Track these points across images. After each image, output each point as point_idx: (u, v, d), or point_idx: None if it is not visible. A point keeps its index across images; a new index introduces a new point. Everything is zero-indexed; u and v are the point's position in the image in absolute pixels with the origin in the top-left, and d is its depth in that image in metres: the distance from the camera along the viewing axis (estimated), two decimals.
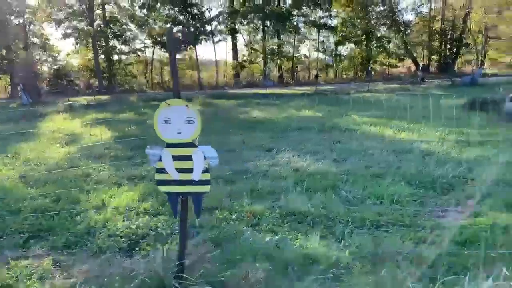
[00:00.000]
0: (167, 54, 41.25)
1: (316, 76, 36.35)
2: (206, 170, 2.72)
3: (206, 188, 2.78)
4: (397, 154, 7.38)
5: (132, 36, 41.18)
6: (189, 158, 2.68)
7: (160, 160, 2.72)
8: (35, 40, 39.94)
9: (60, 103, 20.46)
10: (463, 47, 39.87)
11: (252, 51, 38.44)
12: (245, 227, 4.14)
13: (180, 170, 2.71)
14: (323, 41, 39.56)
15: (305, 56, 40.20)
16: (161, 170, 2.75)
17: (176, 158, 2.70)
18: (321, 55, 40.56)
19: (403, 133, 9.66)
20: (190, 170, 2.70)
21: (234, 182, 5.70)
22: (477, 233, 3.83)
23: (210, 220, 4.35)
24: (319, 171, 6.18)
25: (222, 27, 36.94)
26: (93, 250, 3.82)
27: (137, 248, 3.79)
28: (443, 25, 39.84)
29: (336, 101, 18.76)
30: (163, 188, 2.80)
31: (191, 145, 2.68)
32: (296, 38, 38.84)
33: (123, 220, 4.43)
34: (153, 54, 41.74)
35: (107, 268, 3.38)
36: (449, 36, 39.85)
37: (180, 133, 2.63)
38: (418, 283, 2.79)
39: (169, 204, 2.95)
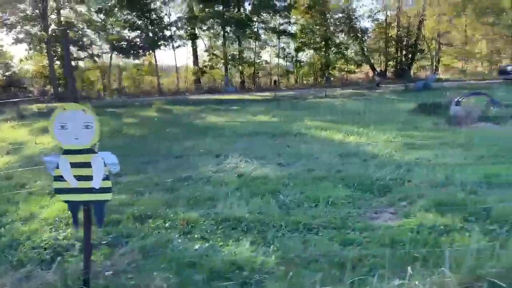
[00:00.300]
0: (125, 60, 40.85)
1: (275, 82, 36.63)
2: (106, 178, 2.63)
3: (107, 196, 2.69)
4: (342, 158, 7.50)
5: (89, 41, 40.20)
6: (88, 165, 2.59)
7: (57, 167, 2.61)
8: None
9: (9, 111, 19.61)
10: (418, 53, 41.32)
11: (213, 57, 38.32)
12: (176, 235, 4.06)
13: (79, 178, 2.62)
14: (283, 48, 39.96)
15: (266, 62, 40.48)
16: (59, 178, 2.64)
17: (74, 165, 2.60)
18: (282, 61, 40.97)
19: (351, 137, 9.84)
20: (90, 178, 2.61)
21: (173, 190, 5.60)
22: (404, 234, 3.92)
23: (142, 229, 4.24)
24: (262, 176, 6.18)
25: (181, 32, 36.65)
26: (13, 263, 3.63)
27: (59, 260, 3.63)
28: (398, 32, 41.17)
29: (293, 107, 18.94)
30: (62, 197, 2.69)
31: (90, 151, 2.59)
32: (257, 44, 39.06)
33: (50, 231, 4.25)
34: (110, 59, 40.83)
35: (24, 282, 3.23)
36: (404, 43, 41.20)
37: (77, 138, 2.53)
38: (332, 284, 2.80)
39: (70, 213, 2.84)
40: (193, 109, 20.57)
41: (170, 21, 36.15)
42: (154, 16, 35.54)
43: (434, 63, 41.33)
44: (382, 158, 7.37)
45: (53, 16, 38.75)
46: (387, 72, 41.46)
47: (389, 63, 41.88)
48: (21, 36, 36.59)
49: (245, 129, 11.77)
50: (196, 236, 4.06)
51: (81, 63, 41.46)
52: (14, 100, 25.11)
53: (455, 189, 5.16)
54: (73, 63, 41.33)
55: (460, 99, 13.42)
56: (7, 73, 39.92)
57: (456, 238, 3.80)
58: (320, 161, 7.24)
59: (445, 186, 5.32)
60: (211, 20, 35.19)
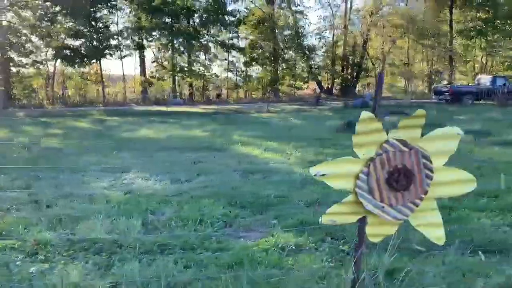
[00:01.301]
0: (70, 68, 39.58)
1: (218, 95, 36.64)
2: None
3: None
4: (245, 174, 7.51)
5: (33, 47, 38.65)
6: None
7: None
8: None
9: None
10: (363, 72, 42.77)
11: (161, 68, 37.92)
12: (19, 257, 3.86)
13: None
14: (232, 62, 40.17)
15: (216, 75, 40.49)
16: None
17: None
18: (231, 75, 41.12)
19: (267, 153, 9.93)
20: None
21: (47, 207, 5.37)
22: (253, 254, 3.91)
23: None
24: (151, 193, 6.06)
25: (128, 42, 36.07)
26: None
27: None
28: (345, 50, 42.49)
29: (231, 121, 18.97)
30: None
31: None
32: (206, 57, 39.07)
33: None
34: (54, 67, 39.44)
35: None
36: (350, 61, 42.55)
37: None
38: None
39: None
40: (129, 120, 20.16)
41: (117, 31, 35.46)
42: (100, 24, 34.79)
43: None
44: (283, 175, 7.44)
45: None
46: (333, 89, 42.58)
47: (335, 80, 43.01)
48: None
49: (168, 143, 11.63)
50: (40, 257, 3.87)
51: (23, 70, 39.89)
52: None
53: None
54: (14, 69, 39.67)
55: (384, 117, 13.93)
56: None
57: (301, 259, 3.83)
58: (222, 177, 7.21)
59: (320, 205, 5.41)
60: (157, 31, 34.81)
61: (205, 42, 38.21)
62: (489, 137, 12.26)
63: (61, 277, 3.38)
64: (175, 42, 36.22)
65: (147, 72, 39.33)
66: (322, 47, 43.01)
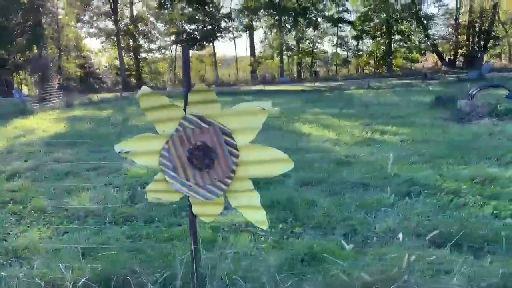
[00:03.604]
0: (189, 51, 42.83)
1: (315, 72, 35.66)
2: None
3: None
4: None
5: (157, 34, 42.47)
6: None
7: None
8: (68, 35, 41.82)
9: (60, 101, 21.60)
10: (492, 40, 37.72)
11: (269, 47, 38.57)
12: None
13: None
14: (341, 36, 38.81)
15: (324, 51, 39.66)
16: None
17: None
18: (340, 51, 39.81)
19: (325, 131, 9.64)
20: None
21: None
22: None
23: None
24: None
25: (236, 23, 37.38)
26: None
27: None
28: (470, 17, 37.89)
29: (317, 99, 18.62)
30: None
31: None
32: (314, 33, 38.48)
33: None
34: (176, 52, 42.86)
35: None
36: (476, 28, 37.79)
37: None
38: None
39: None
40: (223, 100, 21.07)
41: (226, 13, 36.95)
42: (211, 8, 36.62)
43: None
44: (314, 153, 7.18)
45: (125, 11, 41.78)
46: (456, 61, 38.40)
47: (459, 51, 38.66)
48: (93, 30, 39.84)
49: None
50: None
51: (149, 55, 44.27)
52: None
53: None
54: (143, 55, 44.27)
55: (474, 92, 12.30)
56: (85, 65, 43.76)
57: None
58: None
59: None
60: (263, 10, 35.30)
61: (314, 17, 37.58)
62: None
63: None
64: (282, 20, 36.41)
65: (256, 52, 40.38)
66: (444, 15, 38.84)
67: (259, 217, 2.26)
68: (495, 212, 4.26)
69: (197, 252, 2.43)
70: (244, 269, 2.57)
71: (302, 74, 38.56)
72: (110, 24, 40.81)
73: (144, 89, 2.26)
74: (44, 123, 13.97)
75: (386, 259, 2.97)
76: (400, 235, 2.89)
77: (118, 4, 40.23)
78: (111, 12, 39.42)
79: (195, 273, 2.43)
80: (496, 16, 36.31)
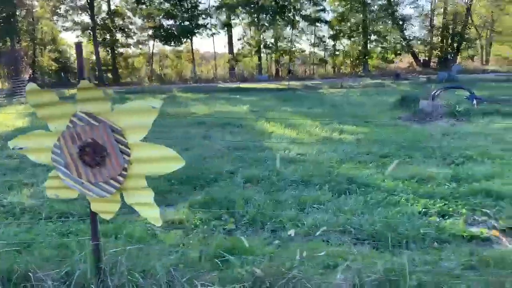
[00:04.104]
0: (167, 47, 42.26)
1: (290, 71, 35.83)
2: None
3: None
4: (229, 150, 7.50)
5: (134, 29, 41.93)
6: None
7: None
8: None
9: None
10: (465, 42, 38.57)
11: (247, 45, 38.58)
12: None
13: None
14: (318, 36, 39.10)
15: (302, 50, 39.90)
16: None
17: None
18: (317, 50, 40.11)
19: (285, 130, 9.73)
20: None
21: None
22: None
23: None
24: None
25: (214, 20, 37.30)
26: None
27: None
28: (444, 19, 38.65)
29: (289, 96, 18.76)
30: None
31: None
32: (292, 32, 38.68)
33: None
34: (153, 47, 42.45)
35: None
36: (450, 31, 38.57)
37: None
38: None
39: None
40: (197, 97, 20.98)
41: (204, 9, 36.80)
42: (189, 5, 36.39)
43: (484, 53, 38.33)
44: (269, 151, 7.27)
45: (103, 5, 41.12)
46: (430, 62, 39.13)
47: (433, 51, 39.40)
48: (68, 24, 39.14)
49: (196, 119, 11.94)
50: None
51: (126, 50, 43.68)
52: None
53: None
54: (120, 50, 43.68)
55: (436, 93, 12.59)
56: (60, 59, 42.93)
57: None
58: (199, 151, 7.31)
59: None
60: (241, 8, 35.27)
61: (291, 17, 37.73)
62: None
63: None
64: (260, 18, 36.47)
65: (235, 50, 40.33)
66: (419, 16, 39.51)
67: (153, 214, 2.30)
68: (423, 210, 4.42)
69: (97, 249, 2.47)
70: (144, 264, 2.61)
71: (280, 73, 38.69)
72: (86, 18, 40.23)
73: (31, 85, 2.27)
74: (8, 118, 13.71)
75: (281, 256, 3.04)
76: (292, 232, 3.00)
77: None
78: (87, 5, 38.79)
79: (94, 269, 2.46)
80: (469, 18, 37.12)
